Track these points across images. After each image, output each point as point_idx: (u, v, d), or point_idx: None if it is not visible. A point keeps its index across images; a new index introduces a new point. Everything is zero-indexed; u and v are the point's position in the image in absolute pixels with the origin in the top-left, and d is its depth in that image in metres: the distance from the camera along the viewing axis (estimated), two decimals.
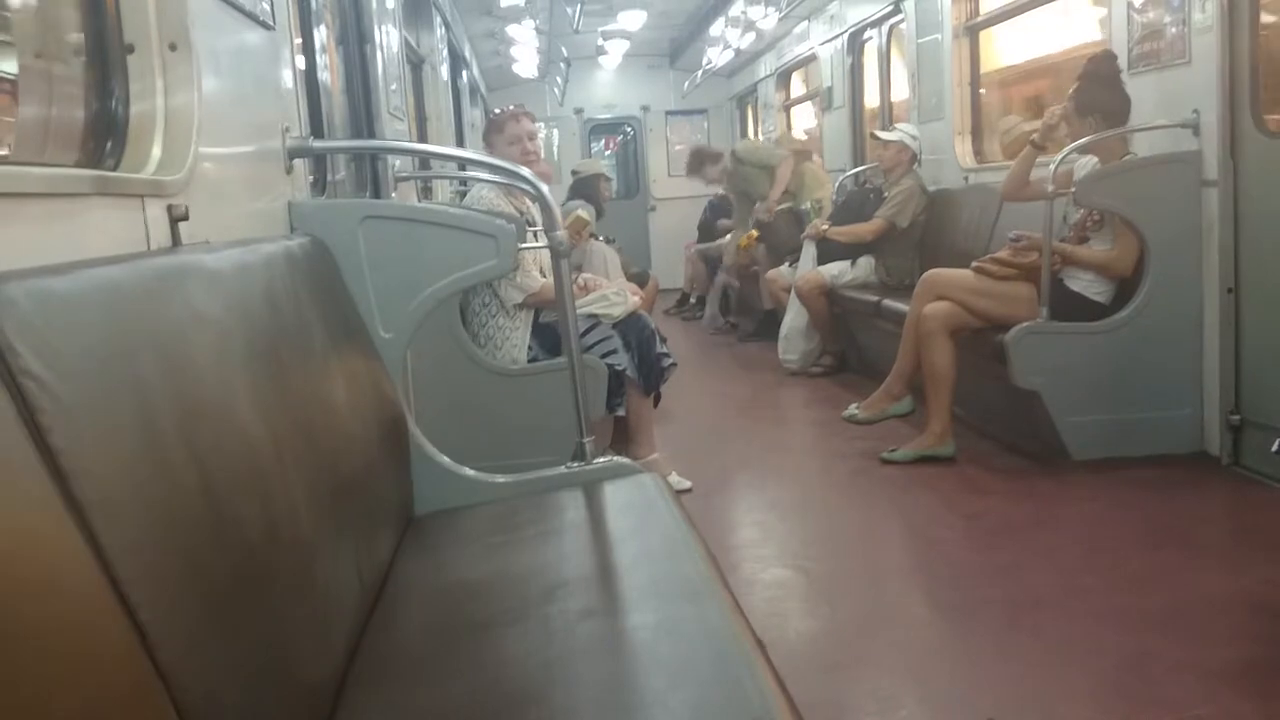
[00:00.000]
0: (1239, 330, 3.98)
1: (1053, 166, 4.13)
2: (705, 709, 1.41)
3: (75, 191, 1.50)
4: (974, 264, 4.41)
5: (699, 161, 8.62)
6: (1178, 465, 4.04)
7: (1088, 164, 4.27)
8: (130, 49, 1.81)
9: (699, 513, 2.56)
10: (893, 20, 7.58)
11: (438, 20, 7.43)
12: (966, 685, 2.59)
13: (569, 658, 1.61)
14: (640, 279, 7.10)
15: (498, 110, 4.53)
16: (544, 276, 4.00)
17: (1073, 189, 4.10)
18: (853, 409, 4.89)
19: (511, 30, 10.76)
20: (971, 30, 6.30)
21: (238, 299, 1.69)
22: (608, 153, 14.63)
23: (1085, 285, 4.20)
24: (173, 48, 1.85)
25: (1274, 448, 2.52)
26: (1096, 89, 4.21)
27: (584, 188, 7.65)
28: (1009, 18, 6.14)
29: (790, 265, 7.24)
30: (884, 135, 6.47)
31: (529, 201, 4.19)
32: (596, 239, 6.46)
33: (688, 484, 4.18)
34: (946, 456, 4.36)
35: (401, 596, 1.95)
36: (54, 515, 1.00)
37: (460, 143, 8.65)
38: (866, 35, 8.29)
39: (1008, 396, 4.25)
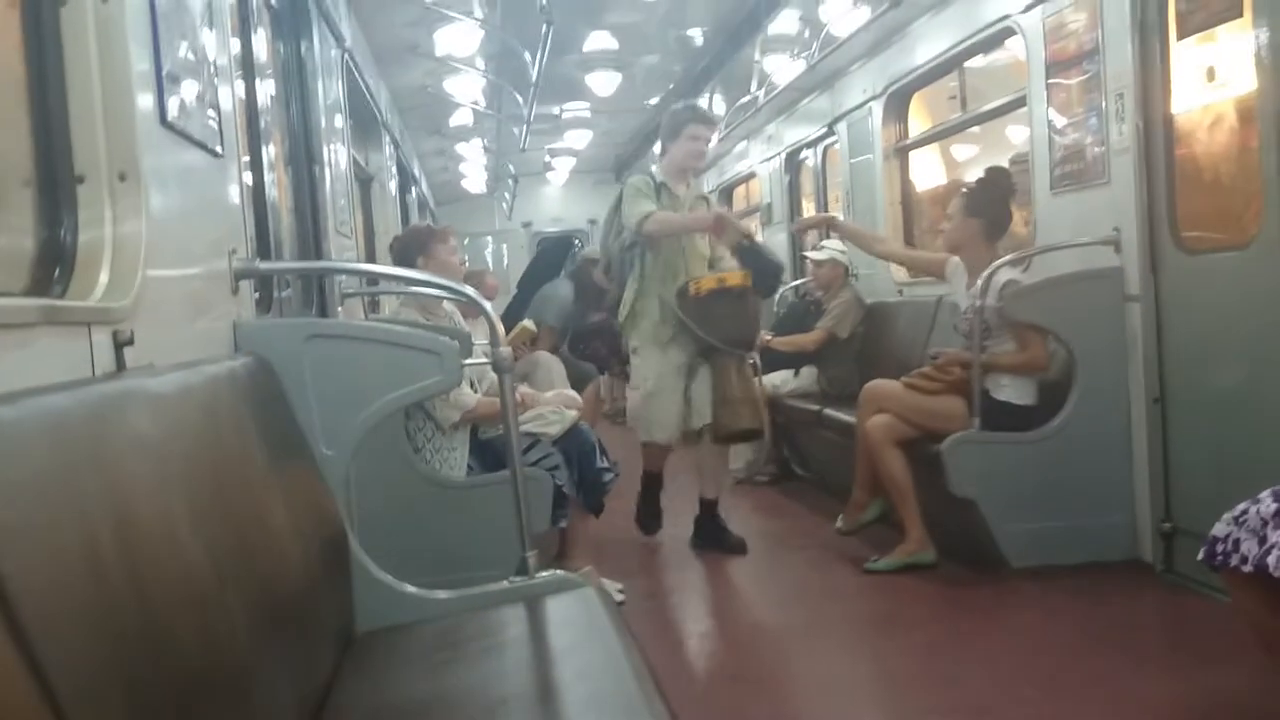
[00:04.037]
0: (1166, 439, 4.09)
1: (980, 280, 4.26)
2: None
3: (22, 321, 1.53)
4: (903, 379, 4.52)
5: None
6: (1113, 572, 4.10)
7: (958, 267, 4.51)
8: (81, 179, 1.86)
9: (639, 623, 2.58)
10: (827, 141, 7.85)
11: (386, 139, 7.58)
12: None
13: None
14: (583, 380, 6.94)
15: (434, 225, 4.58)
16: (476, 390, 4.00)
17: (1000, 302, 4.23)
18: (839, 522, 4.83)
19: (460, 148, 11.00)
20: (901, 151, 6.55)
21: (180, 422, 1.71)
22: None
23: (1009, 392, 4.30)
24: (122, 178, 1.91)
25: (1199, 556, 2.59)
26: (986, 197, 4.45)
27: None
28: (936, 140, 6.41)
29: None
30: (813, 255, 6.63)
31: (454, 311, 4.22)
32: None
33: (620, 596, 4.12)
34: (928, 563, 4.34)
35: (342, 718, 1.94)
36: None
37: None
38: (803, 155, 8.57)
39: (946, 505, 4.31)
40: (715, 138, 8.95)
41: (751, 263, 5.06)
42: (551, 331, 6.74)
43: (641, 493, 5.29)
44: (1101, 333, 4.20)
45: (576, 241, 8.05)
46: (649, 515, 5.31)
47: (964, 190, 4.64)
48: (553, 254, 7.68)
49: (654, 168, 5.15)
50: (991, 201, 4.46)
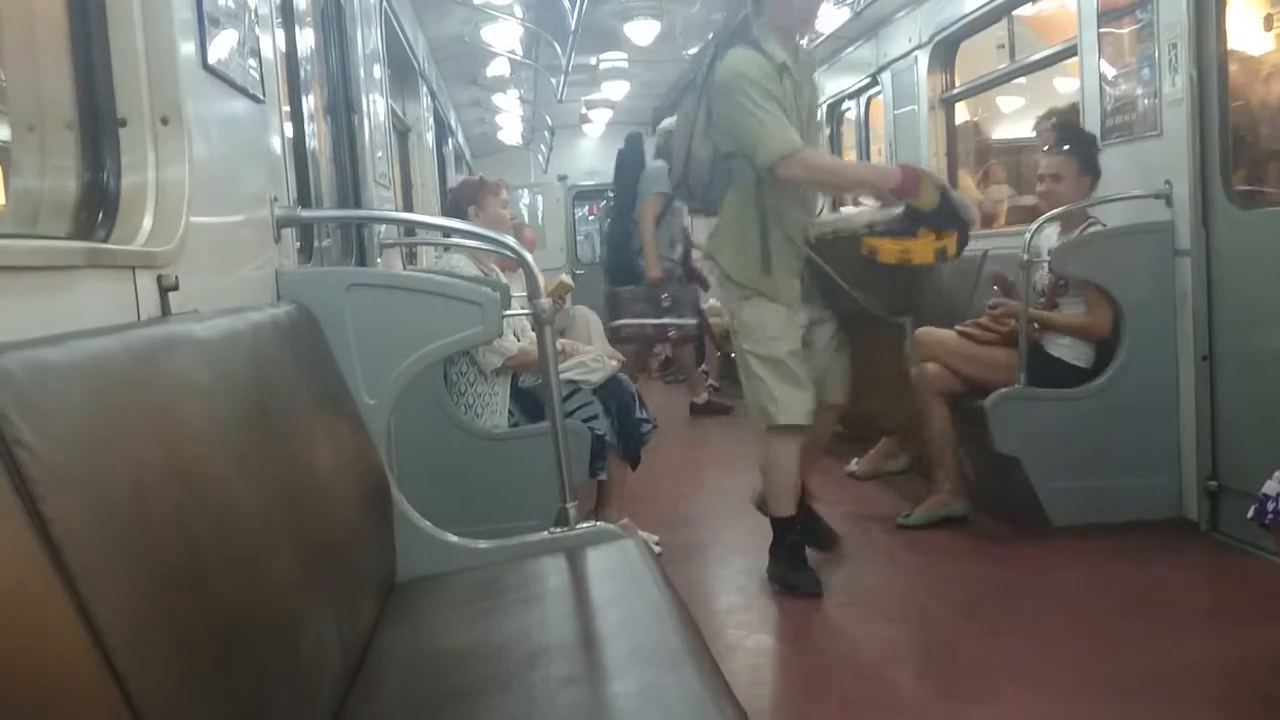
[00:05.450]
0: (1214, 397, 4.02)
1: (1027, 235, 4.19)
2: None
3: (67, 264, 1.53)
4: (957, 327, 4.46)
5: None
6: (1157, 531, 4.05)
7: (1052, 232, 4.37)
8: (123, 123, 1.85)
9: (678, 577, 2.57)
10: (870, 93, 7.72)
11: (424, 90, 7.54)
12: None
13: None
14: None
15: (487, 178, 4.59)
16: (519, 340, 4.01)
17: (1048, 257, 4.16)
18: (853, 465, 4.83)
19: (496, 99, 10.95)
20: (947, 103, 6.43)
21: (225, 367, 1.71)
22: (591, 218, 14.75)
23: (1065, 351, 4.24)
24: (165, 121, 1.89)
25: (1249, 514, 2.54)
26: (1086, 149, 4.33)
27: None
28: (984, 90, 6.28)
29: None
30: (853, 210, 6.54)
31: (495, 266, 4.24)
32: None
33: (657, 548, 4.13)
34: (960, 516, 4.33)
35: (383, 665, 1.95)
36: (45, 584, 1.02)
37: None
38: (845, 106, 8.44)
39: (989, 461, 4.27)
40: None
41: (947, 222, 3.51)
42: (659, 198, 6.86)
43: (779, 541, 3.85)
44: (1151, 288, 4.12)
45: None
46: (796, 566, 3.81)
47: (1064, 149, 4.31)
48: (630, 152, 7.70)
49: (758, 32, 3.57)
50: (1077, 134, 4.35)
